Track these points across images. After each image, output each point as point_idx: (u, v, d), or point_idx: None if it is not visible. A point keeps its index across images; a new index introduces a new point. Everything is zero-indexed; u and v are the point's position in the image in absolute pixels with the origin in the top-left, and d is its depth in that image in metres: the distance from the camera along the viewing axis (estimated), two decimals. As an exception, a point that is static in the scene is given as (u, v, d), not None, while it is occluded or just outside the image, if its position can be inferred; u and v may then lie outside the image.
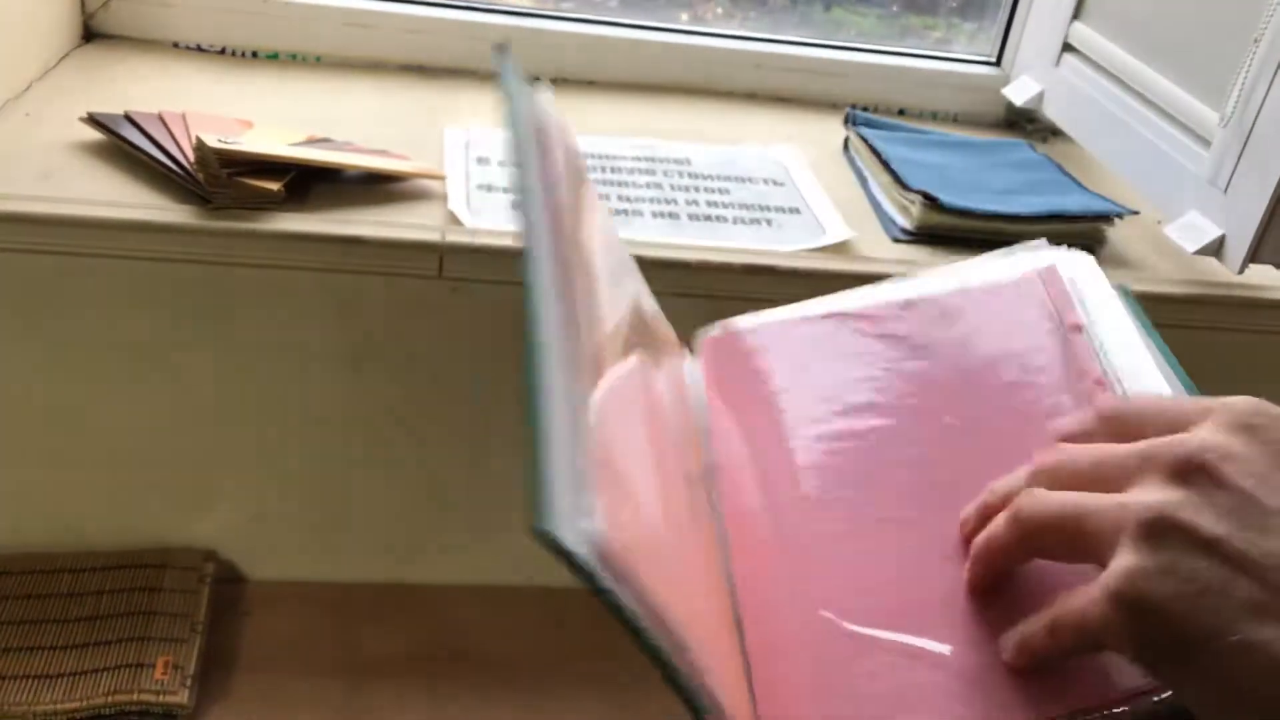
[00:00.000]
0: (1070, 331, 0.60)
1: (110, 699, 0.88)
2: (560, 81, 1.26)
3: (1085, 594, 0.41)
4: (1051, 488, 0.44)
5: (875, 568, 0.52)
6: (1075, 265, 0.64)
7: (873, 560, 0.53)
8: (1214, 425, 0.41)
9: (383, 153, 0.99)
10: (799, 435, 0.60)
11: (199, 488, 1.01)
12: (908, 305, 0.65)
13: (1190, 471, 0.40)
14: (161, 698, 0.88)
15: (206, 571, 1.01)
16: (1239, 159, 0.91)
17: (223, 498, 1.02)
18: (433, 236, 0.89)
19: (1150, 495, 0.40)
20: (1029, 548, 0.45)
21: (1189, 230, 0.96)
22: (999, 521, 0.46)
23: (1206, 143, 0.96)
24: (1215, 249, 0.94)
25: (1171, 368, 0.57)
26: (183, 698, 0.89)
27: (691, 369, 0.69)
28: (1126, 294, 0.63)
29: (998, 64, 1.33)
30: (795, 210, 1.03)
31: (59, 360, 0.93)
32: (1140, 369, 0.57)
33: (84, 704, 0.87)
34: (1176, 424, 0.43)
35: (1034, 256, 0.66)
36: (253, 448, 1.00)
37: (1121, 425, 0.45)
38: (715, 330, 0.70)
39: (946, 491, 0.54)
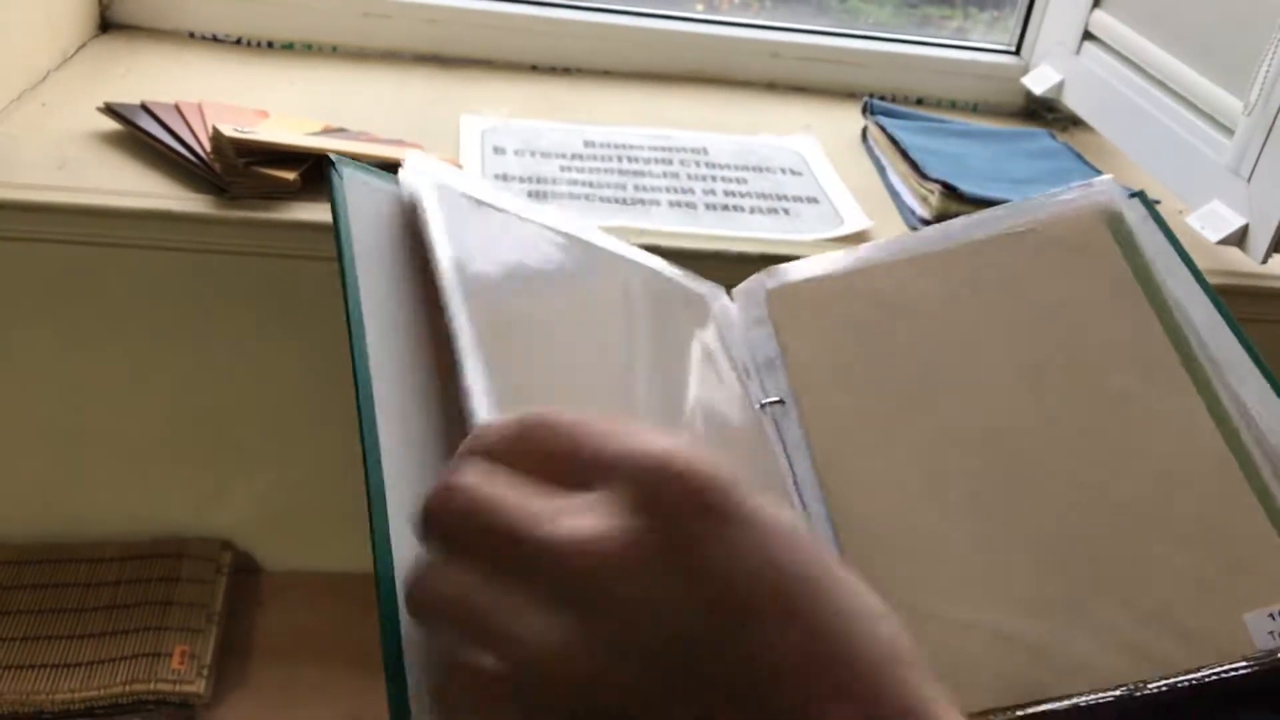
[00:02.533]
0: None
1: (127, 688, 0.88)
2: (576, 72, 1.26)
3: None
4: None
5: None
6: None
7: None
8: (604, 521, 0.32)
9: (399, 142, 0.99)
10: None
11: (215, 478, 1.01)
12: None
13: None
14: (178, 687, 0.89)
15: (223, 562, 1.01)
16: (1263, 147, 0.90)
17: (239, 488, 1.02)
18: (449, 226, 0.89)
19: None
20: None
21: (1212, 220, 0.95)
22: None
23: (1229, 131, 0.95)
24: (1238, 239, 0.93)
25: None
26: (199, 687, 0.89)
27: (733, 310, 0.72)
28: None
29: (1017, 53, 1.32)
30: (813, 200, 1.02)
31: (76, 350, 0.93)
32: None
33: (101, 693, 0.88)
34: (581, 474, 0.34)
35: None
36: (270, 438, 1.00)
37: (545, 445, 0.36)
38: (771, 282, 0.72)
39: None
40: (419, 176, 0.55)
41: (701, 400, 0.63)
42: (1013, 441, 0.61)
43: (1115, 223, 0.67)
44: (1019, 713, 0.54)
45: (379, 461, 0.45)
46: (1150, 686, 0.53)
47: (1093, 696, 0.53)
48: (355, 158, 0.95)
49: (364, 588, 0.46)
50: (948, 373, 0.64)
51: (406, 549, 0.42)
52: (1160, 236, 0.67)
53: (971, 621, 0.57)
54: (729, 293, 0.73)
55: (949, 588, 0.58)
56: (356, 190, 0.53)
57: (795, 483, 0.64)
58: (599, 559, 0.32)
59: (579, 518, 0.32)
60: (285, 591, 1.05)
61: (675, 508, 0.32)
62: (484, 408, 0.43)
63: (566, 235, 0.62)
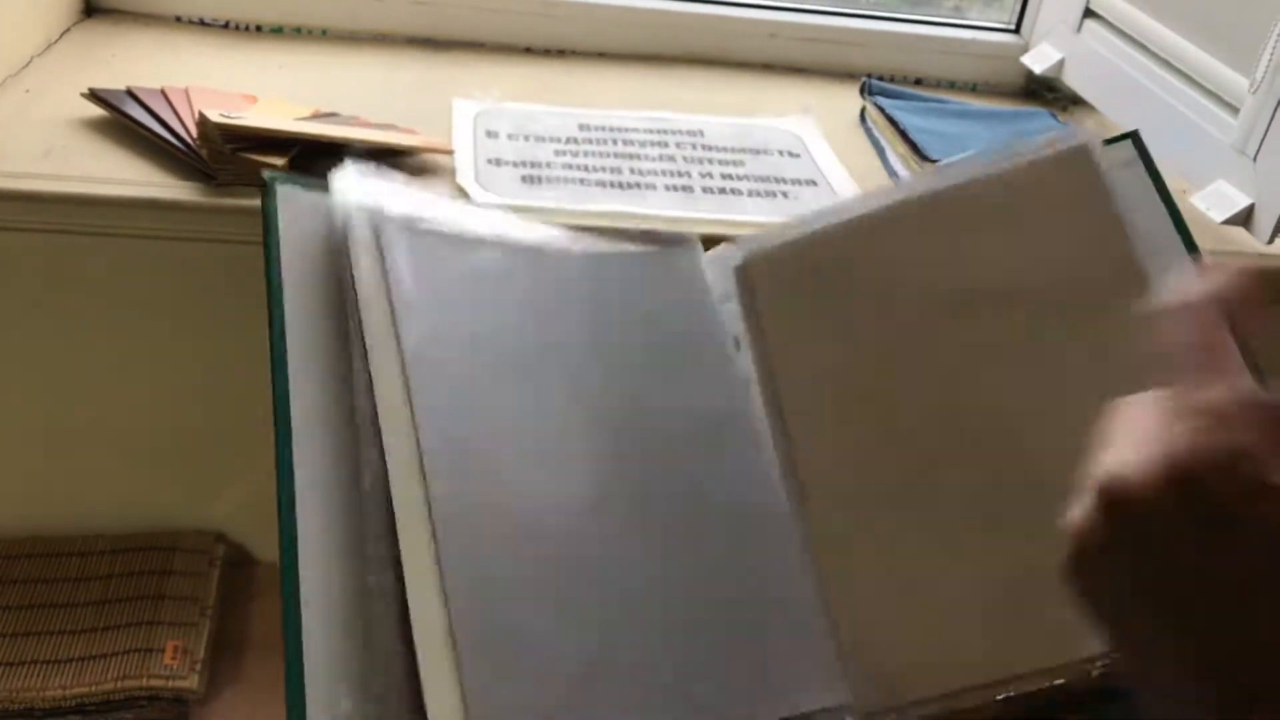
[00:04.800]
0: None
1: (119, 684, 0.87)
2: (570, 54, 1.24)
3: None
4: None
5: None
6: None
7: None
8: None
9: (390, 127, 0.97)
10: None
11: (208, 469, 1.00)
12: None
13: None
14: (171, 683, 0.88)
15: (216, 554, 1.00)
16: (1269, 126, 0.89)
17: (232, 479, 1.01)
18: (441, 212, 0.87)
19: None
20: None
21: (1217, 199, 0.93)
22: None
23: (1234, 109, 0.93)
24: (1244, 219, 0.92)
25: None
26: (192, 682, 0.88)
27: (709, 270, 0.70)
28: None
29: (1017, 31, 1.30)
30: (811, 182, 1.01)
31: (63, 341, 0.91)
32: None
33: (93, 689, 0.86)
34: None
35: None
36: (262, 427, 0.98)
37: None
38: (737, 254, 0.69)
39: None
40: (349, 196, 0.56)
41: (664, 392, 0.63)
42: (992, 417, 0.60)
43: (1083, 163, 0.65)
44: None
45: (291, 470, 0.49)
46: None
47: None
48: (345, 142, 0.94)
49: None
50: (922, 342, 0.63)
51: (311, 551, 0.47)
52: (1146, 181, 0.65)
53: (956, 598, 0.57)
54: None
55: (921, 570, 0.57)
56: (291, 204, 0.56)
57: None
58: None
59: None
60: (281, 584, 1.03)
61: None
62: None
63: (504, 244, 0.62)
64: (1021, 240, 0.63)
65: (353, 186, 0.57)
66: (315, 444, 0.49)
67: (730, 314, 0.67)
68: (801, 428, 0.62)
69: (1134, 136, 0.67)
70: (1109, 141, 0.68)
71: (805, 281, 0.66)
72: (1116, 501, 0.36)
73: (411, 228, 0.58)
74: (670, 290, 0.67)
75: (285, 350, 0.51)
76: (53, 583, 0.95)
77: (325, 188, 0.58)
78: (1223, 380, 0.38)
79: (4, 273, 0.88)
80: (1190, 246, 0.62)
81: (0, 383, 0.93)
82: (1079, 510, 0.38)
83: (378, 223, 0.57)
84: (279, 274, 0.53)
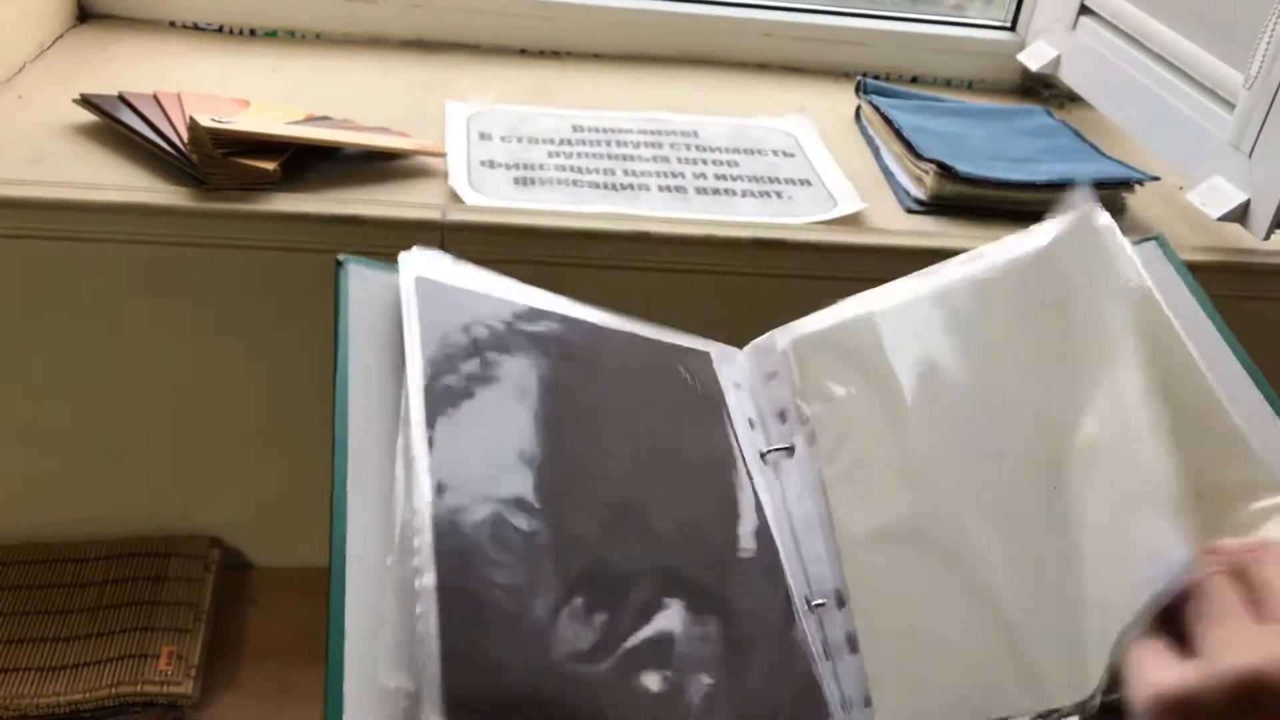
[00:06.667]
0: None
1: (114, 690, 0.86)
2: (564, 55, 1.24)
3: None
4: None
5: None
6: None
7: None
8: None
9: (383, 130, 0.97)
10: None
11: (202, 474, 1.00)
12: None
13: None
14: (165, 688, 0.87)
15: (212, 559, 1.00)
16: (1264, 121, 0.88)
17: (227, 483, 1.01)
18: (433, 215, 0.87)
19: None
20: None
21: (1212, 195, 0.93)
22: None
23: (1230, 105, 0.93)
24: (1239, 215, 0.91)
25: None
26: (187, 688, 0.88)
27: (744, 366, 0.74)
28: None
29: (1013, 28, 1.29)
30: (806, 182, 1.00)
31: (56, 347, 0.91)
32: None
33: (87, 696, 0.86)
34: None
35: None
36: (257, 431, 0.98)
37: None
38: (786, 335, 0.73)
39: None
40: (408, 269, 0.61)
41: (674, 457, 0.64)
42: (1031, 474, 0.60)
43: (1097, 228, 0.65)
44: None
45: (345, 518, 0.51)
46: None
47: None
48: (336, 145, 0.94)
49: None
50: (967, 412, 0.63)
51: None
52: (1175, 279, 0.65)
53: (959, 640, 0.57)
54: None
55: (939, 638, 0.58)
56: (360, 284, 0.60)
57: (791, 526, 0.65)
58: None
59: None
60: (277, 588, 1.03)
61: None
62: (425, 487, 0.51)
63: (549, 314, 0.65)
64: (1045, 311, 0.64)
65: (414, 261, 0.61)
66: (368, 524, 0.52)
67: (769, 392, 0.71)
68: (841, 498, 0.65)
69: (1158, 239, 0.66)
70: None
71: (849, 359, 0.68)
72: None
73: (463, 290, 0.63)
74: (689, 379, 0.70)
75: (347, 435, 0.54)
76: (47, 589, 0.95)
77: (390, 269, 0.61)
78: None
79: (-4, 279, 0.88)
80: (1226, 337, 0.62)
81: (-6, 389, 0.93)
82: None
83: (428, 288, 0.61)
84: (346, 346, 0.57)
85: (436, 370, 0.57)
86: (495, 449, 0.56)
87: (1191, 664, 0.44)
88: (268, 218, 0.85)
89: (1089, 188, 0.66)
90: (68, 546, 0.98)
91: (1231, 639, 0.43)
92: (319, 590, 1.00)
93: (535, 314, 0.65)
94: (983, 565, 0.58)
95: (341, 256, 0.61)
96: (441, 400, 0.56)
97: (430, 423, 0.54)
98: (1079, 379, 0.59)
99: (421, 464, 0.52)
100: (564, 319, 0.66)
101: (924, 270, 0.69)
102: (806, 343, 0.71)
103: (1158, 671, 0.44)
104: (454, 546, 0.51)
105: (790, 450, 0.68)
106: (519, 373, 0.61)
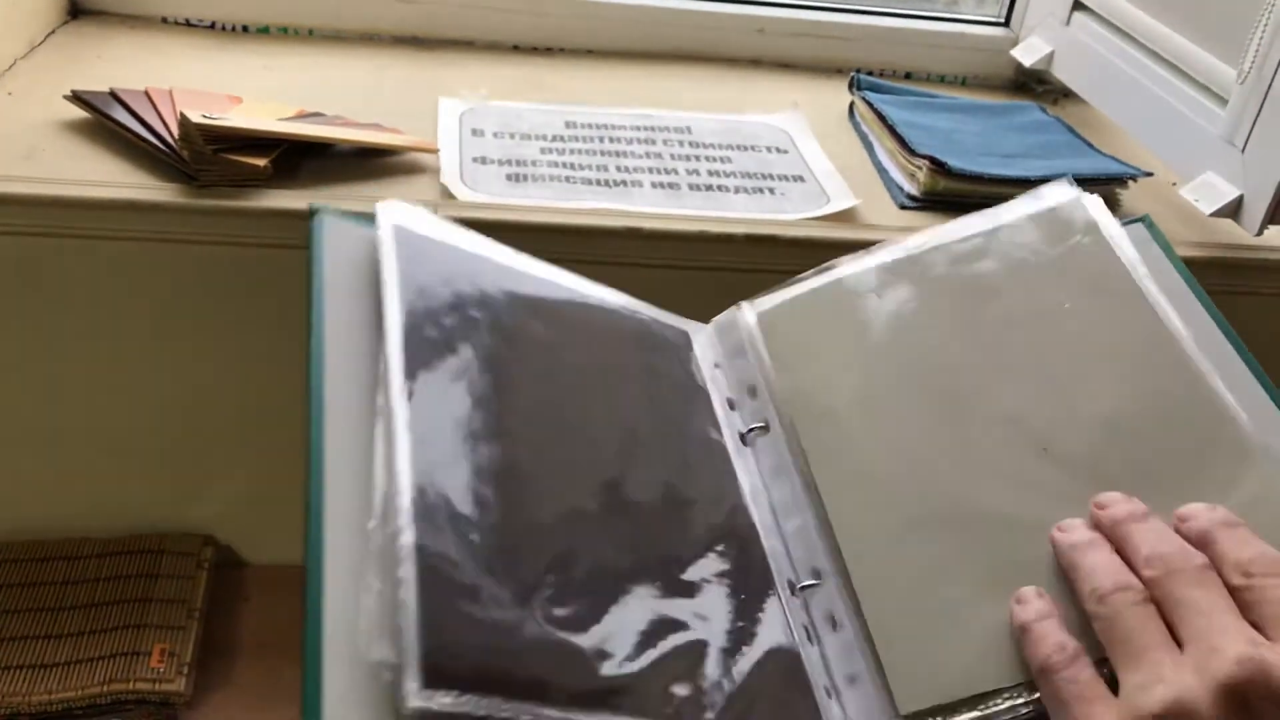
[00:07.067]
0: None
1: (106, 688, 0.86)
2: (557, 51, 1.23)
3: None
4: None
5: None
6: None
7: None
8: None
9: (375, 126, 0.97)
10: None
11: (195, 471, 0.99)
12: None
13: None
14: (158, 686, 0.87)
15: (205, 556, 1.00)
16: (1257, 116, 0.88)
17: (220, 481, 1.00)
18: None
19: None
20: None
21: (1205, 191, 0.93)
22: None
23: (1223, 100, 0.93)
24: (1233, 210, 0.91)
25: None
26: (179, 685, 0.88)
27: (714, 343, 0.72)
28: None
29: (1006, 24, 1.29)
30: (799, 178, 1.00)
31: (47, 344, 0.91)
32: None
33: (79, 693, 0.86)
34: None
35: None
36: (250, 428, 0.98)
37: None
38: (748, 309, 0.71)
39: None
40: (386, 218, 0.58)
41: (654, 437, 0.63)
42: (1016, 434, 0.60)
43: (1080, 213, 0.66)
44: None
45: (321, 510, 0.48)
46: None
47: None
48: (327, 141, 0.94)
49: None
50: (944, 373, 0.63)
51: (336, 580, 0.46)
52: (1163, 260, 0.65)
53: (975, 607, 0.56)
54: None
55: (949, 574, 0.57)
56: (335, 235, 0.57)
57: (771, 506, 0.64)
58: None
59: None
60: (270, 586, 1.03)
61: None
62: (405, 446, 0.49)
63: (529, 276, 0.63)
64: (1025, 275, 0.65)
65: (391, 212, 0.59)
66: (346, 485, 0.49)
67: (737, 369, 0.69)
68: (824, 468, 0.63)
69: (1145, 220, 0.67)
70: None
71: (816, 328, 0.68)
72: None
73: (443, 244, 0.61)
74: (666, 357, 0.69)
75: (323, 393, 0.51)
76: (39, 586, 0.94)
77: (367, 221, 0.59)
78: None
79: (-13, 276, 0.87)
80: (1215, 318, 0.62)
81: (-15, 386, 0.93)
82: None
83: (407, 239, 0.59)
84: (321, 300, 0.54)
85: (416, 323, 0.54)
86: (476, 408, 0.54)
87: (1114, 709, 0.45)
88: (259, 214, 0.85)
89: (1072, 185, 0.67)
90: (60, 544, 0.98)
91: (1148, 681, 0.44)
92: (312, 588, 1.00)
93: (520, 276, 0.63)
94: (982, 525, 0.58)
95: (314, 205, 0.58)
96: (421, 355, 0.54)
97: (410, 376, 0.52)
98: (1056, 344, 0.61)
99: (401, 422, 0.50)
100: (549, 283, 0.64)
101: (890, 244, 0.70)
102: (774, 314, 0.69)
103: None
104: (434, 509, 0.49)
105: (765, 428, 0.66)
106: (501, 331, 0.59)
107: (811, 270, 0.71)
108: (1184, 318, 0.61)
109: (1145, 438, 0.58)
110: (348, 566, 0.46)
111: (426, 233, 0.60)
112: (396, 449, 0.49)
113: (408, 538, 0.47)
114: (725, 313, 0.72)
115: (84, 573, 0.96)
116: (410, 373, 0.52)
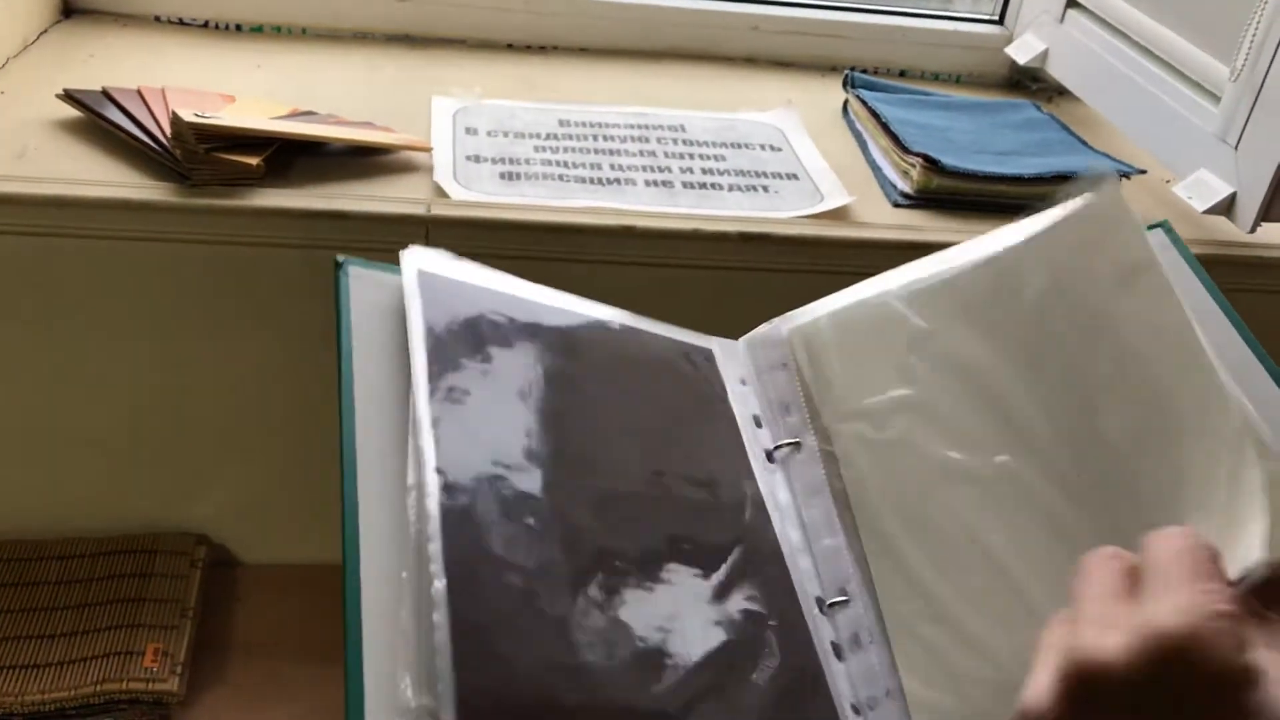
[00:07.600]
0: None
1: (99, 688, 0.86)
2: (551, 49, 1.23)
3: None
4: None
5: None
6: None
7: None
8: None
9: (368, 125, 0.97)
10: None
11: (188, 470, 0.99)
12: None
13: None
14: (151, 686, 0.87)
15: (198, 556, 0.99)
16: (1250, 114, 0.88)
17: (214, 481, 1.00)
18: (418, 210, 0.87)
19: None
20: None
21: (1199, 189, 0.93)
22: None
23: (1216, 98, 0.93)
24: (1226, 208, 0.91)
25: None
26: (173, 685, 0.87)
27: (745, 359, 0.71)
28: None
29: (1000, 22, 1.29)
30: (793, 176, 1.00)
31: (40, 343, 0.90)
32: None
33: (72, 693, 0.86)
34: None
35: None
36: (244, 428, 0.98)
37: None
38: (788, 324, 0.70)
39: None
40: (409, 264, 0.60)
41: (679, 460, 0.63)
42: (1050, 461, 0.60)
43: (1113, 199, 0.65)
44: None
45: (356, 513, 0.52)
46: None
47: None
48: (320, 140, 0.93)
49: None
50: (987, 393, 0.63)
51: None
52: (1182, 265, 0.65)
53: (997, 636, 0.56)
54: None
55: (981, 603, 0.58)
56: (361, 285, 0.59)
57: (802, 523, 0.64)
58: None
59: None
60: (264, 585, 1.03)
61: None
62: (432, 478, 0.51)
63: (551, 309, 0.65)
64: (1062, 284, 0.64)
65: (415, 258, 0.61)
66: (380, 532, 0.52)
67: (774, 384, 0.68)
68: (862, 492, 0.63)
69: (1164, 225, 0.66)
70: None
71: (858, 344, 0.67)
72: (1088, 684, 0.38)
73: (466, 284, 0.62)
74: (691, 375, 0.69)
75: (355, 441, 0.54)
76: (32, 586, 0.94)
77: (393, 270, 0.61)
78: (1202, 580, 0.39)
79: (-21, 275, 0.87)
80: (1235, 322, 0.62)
81: (-22, 386, 0.92)
82: (1039, 686, 0.39)
83: (431, 282, 0.60)
84: (350, 349, 0.57)
85: (441, 366, 0.56)
86: (502, 446, 0.56)
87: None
88: (252, 213, 0.85)
89: (1114, 175, 0.65)
90: (53, 544, 0.98)
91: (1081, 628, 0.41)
92: (305, 587, 1.00)
93: (539, 309, 0.64)
94: (1020, 549, 0.58)
95: (341, 258, 0.60)
96: (447, 397, 0.55)
97: (435, 422, 0.54)
98: (1103, 359, 0.60)
99: (430, 467, 0.52)
100: (568, 314, 0.65)
101: (930, 257, 0.68)
102: (814, 329, 0.68)
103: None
104: (465, 551, 0.50)
105: (798, 445, 0.66)
106: (524, 367, 0.60)
107: (851, 288, 0.69)
108: (1202, 324, 0.60)
109: (1169, 448, 0.57)
110: (386, 612, 0.49)
111: (449, 274, 0.62)
112: (427, 497, 0.51)
113: (440, 585, 0.48)
114: (761, 327, 0.71)
115: (77, 572, 0.96)
116: (436, 419, 0.54)
